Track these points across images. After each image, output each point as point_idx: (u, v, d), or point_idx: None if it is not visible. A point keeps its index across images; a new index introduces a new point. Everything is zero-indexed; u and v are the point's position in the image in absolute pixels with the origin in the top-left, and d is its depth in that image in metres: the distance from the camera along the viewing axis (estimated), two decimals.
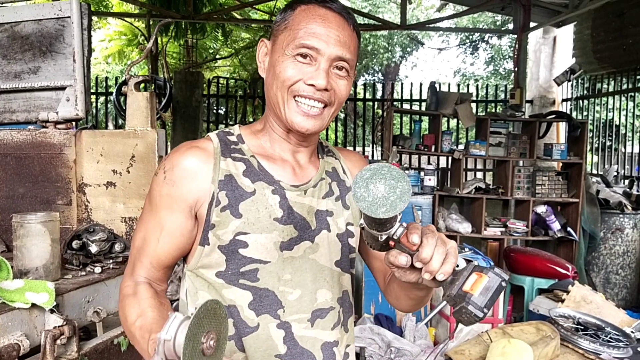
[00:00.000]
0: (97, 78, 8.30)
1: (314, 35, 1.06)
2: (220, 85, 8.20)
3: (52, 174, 2.48)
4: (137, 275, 1.13)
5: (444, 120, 6.40)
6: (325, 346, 1.14)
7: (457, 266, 0.89)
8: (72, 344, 1.83)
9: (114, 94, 7.48)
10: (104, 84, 8.24)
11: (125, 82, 2.46)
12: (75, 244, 2.15)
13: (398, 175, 0.80)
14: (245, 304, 1.09)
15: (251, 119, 8.31)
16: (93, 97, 8.26)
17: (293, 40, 1.07)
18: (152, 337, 0.91)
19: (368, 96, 8.16)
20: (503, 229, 5.64)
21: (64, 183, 2.48)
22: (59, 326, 1.78)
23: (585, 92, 7.14)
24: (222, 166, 1.10)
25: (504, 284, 0.88)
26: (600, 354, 3.37)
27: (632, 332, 3.75)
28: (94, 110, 8.40)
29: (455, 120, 7.34)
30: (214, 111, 9.00)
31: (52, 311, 1.81)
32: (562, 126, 6.70)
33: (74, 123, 2.55)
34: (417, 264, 0.88)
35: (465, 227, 5.47)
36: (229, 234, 1.07)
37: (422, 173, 5.50)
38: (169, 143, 7.41)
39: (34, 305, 1.80)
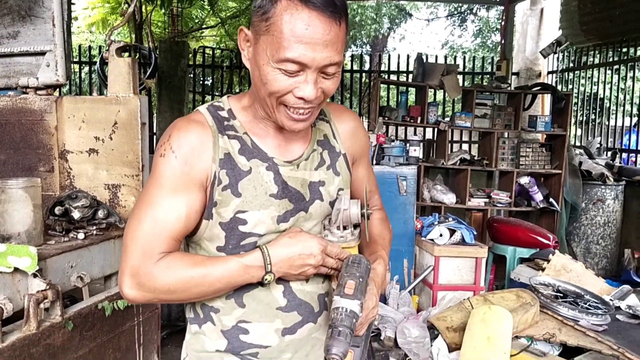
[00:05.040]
0: (80, 47, 8.16)
1: (299, 47, 1.00)
2: (206, 55, 8.09)
3: (34, 141, 2.46)
4: (153, 259, 1.08)
5: (431, 92, 6.40)
6: (320, 297, 1.22)
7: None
8: (55, 307, 1.85)
9: (98, 63, 7.38)
10: (88, 54, 8.10)
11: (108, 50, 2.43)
12: (57, 210, 2.15)
13: None
14: None
15: (238, 90, 8.24)
16: (77, 67, 8.12)
17: (277, 51, 1.01)
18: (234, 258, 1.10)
19: (355, 68, 8.11)
20: (487, 200, 5.70)
21: (46, 150, 2.47)
22: (42, 290, 1.80)
23: (571, 65, 7.16)
24: (220, 144, 1.11)
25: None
26: (579, 321, 3.45)
27: (610, 300, 3.83)
28: (78, 80, 8.27)
29: (441, 93, 7.35)
30: (200, 82, 8.91)
31: (35, 275, 1.82)
32: (547, 99, 6.73)
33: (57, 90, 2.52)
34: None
35: (449, 198, 5.52)
36: (230, 212, 1.11)
37: (407, 145, 5.51)
38: (154, 113, 7.34)
39: (16, 270, 1.80)
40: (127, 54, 2.40)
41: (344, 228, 1.16)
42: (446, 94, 6.98)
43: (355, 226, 1.18)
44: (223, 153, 1.11)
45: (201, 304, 1.19)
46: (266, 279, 1.10)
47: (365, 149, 1.35)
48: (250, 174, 1.12)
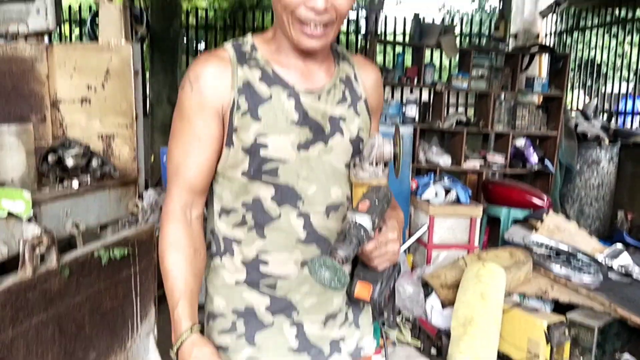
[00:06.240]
0: (70, 7, 7.98)
1: None
2: (199, 16, 7.95)
3: (25, 90, 2.42)
4: (175, 202, 1.20)
5: (427, 53, 6.33)
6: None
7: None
8: (51, 253, 1.83)
9: (88, 22, 7.23)
10: (78, 15, 7.93)
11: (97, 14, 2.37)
12: (50, 158, 2.12)
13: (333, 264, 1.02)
14: (269, 197, 1.19)
15: None
16: (67, 28, 7.96)
17: None
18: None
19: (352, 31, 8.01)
20: (482, 162, 5.70)
21: (37, 99, 2.42)
22: (37, 236, 1.78)
23: (569, 27, 7.08)
24: (239, 74, 1.16)
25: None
26: (571, 278, 3.49)
27: (603, 258, 3.88)
28: (69, 42, 8.12)
29: (438, 55, 7.27)
30: (194, 44, 8.77)
31: (29, 220, 1.80)
32: (545, 60, 6.68)
33: (45, 36, 2.46)
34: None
35: (445, 160, 5.51)
36: (251, 136, 1.15)
37: (404, 105, 5.47)
38: (147, 74, 7.24)
39: (10, 215, 1.78)
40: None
41: (376, 164, 1.19)
42: (443, 56, 6.91)
43: (385, 164, 1.21)
44: (242, 82, 1.16)
45: (223, 235, 1.24)
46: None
47: (380, 108, 1.38)
48: (270, 100, 1.16)
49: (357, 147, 1.25)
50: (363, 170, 1.19)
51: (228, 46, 1.21)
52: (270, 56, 1.21)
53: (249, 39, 1.24)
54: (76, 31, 8.48)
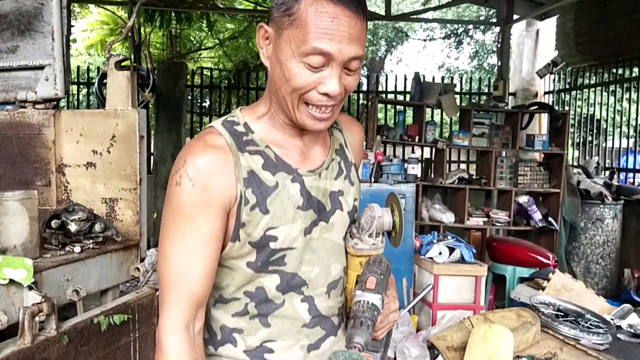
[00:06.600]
0: (78, 68, 8.19)
1: (325, 38, 0.99)
2: (204, 76, 8.13)
3: (31, 155, 2.45)
4: (176, 317, 1.05)
5: (428, 111, 6.43)
6: (340, 310, 1.23)
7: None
8: (51, 321, 1.82)
9: (96, 83, 7.40)
10: (86, 75, 8.13)
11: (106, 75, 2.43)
12: (54, 223, 2.13)
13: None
14: (273, 287, 1.13)
15: None
16: (75, 88, 8.14)
17: (303, 43, 0.99)
18: None
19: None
20: (485, 219, 5.68)
21: (43, 164, 2.45)
22: (37, 303, 1.76)
23: (567, 86, 7.20)
24: (242, 163, 1.07)
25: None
26: (580, 340, 3.41)
27: (611, 319, 3.80)
28: (76, 102, 8.29)
29: (439, 112, 7.38)
30: (198, 103, 8.93)
31: (30, 288, 1.79)
32: (545, 118, 6.76)
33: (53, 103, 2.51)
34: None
35: (448, 217, 5.50)
36: (260, 230, 1.08)
37: (405, 163, 5.50)
38: (152, 132, 7.34)
39: (12, 282, 1.77)
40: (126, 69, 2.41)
41: (376, 235, 1.17)
42: (444, 114, 7.00)
43: (383, 233, 1.20)
44: (246, 171, 1.07)
45: (221, 325, 1.15)
46: None
47: (360, 162, 1.37)
48: (277, 189, 1.09)
49: (352, 217, 1.23)
50: (362, 242, 1.17)
51: (220, 128, 1.11)
52: (267, 136, 1.13)
53: (239, 116, 1.14)
54: (84, 91, 8.67)
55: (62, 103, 8.37)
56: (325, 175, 1.18)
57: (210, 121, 8.15)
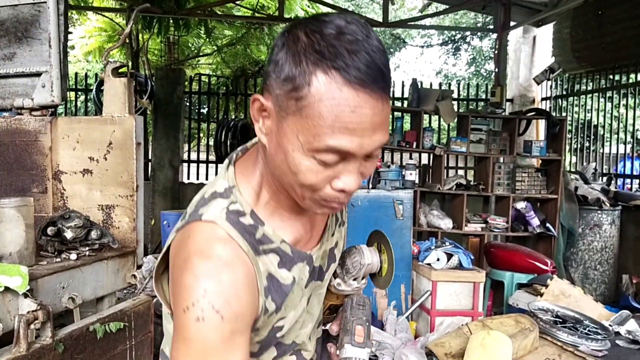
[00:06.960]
0: (76, 75, 8.19)
1: (344, 134, 0.79)
2: (202, 82, 8.15)
3: (27, 162, 2.44)
4: None
5: (426, 117, 6.43)
6: (317, 344, 1.17)
7: None
8: (46, 329, 1.80)
9: (94, 90, 7.40)
10: (84, 82, 8.13)
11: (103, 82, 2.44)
12: (50, 230, 2.12)
13: None
14: (271, 357, 1.03)
15: (233, 116, 8.26)
16: (72, 95, 8.14)
17: (315, 139, 0.79)
18: None
19: None
20: (483, 225, 5.68)
21: (39, 171, 2.44)
22: (32, 311, 1.75)
23: (564, 92, 7.23)
24: (261, 269, 0.91)
25: None
26: (578, 346, 3.41)
27: (610, 325, 3.79)
28: (74, 109, 8.28)
29: (436, 118, 7.39)
30: (196, 109, 8.93)
31: (25, 295, 1.78)
32: (542, 124, 6.77)
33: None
34: None
35: (446, 223, 5.50)
36: (269, 327, 0.96)
37: (403, 169, 5.50)
38: (149, 138, 7.34)
39: (7, 290, 1.76)
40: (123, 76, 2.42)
41: (362, 278, 1.13)
42: (441, 120, 7.01)
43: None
44: (265, 277, 0.91)
45: None
46: None
47: None
48: (293, 285, 0.97)
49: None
50: (345, 284, 1.12)
51: (227, 226, 0.88)
52: (281, 228, 0.96)
53: (242, 203, 0.93)
54: (82, 97, 8.67)
55: (60, 110, 8.39)
56: (327, 237, 1.07)
57: (207, 128, 8.24)
